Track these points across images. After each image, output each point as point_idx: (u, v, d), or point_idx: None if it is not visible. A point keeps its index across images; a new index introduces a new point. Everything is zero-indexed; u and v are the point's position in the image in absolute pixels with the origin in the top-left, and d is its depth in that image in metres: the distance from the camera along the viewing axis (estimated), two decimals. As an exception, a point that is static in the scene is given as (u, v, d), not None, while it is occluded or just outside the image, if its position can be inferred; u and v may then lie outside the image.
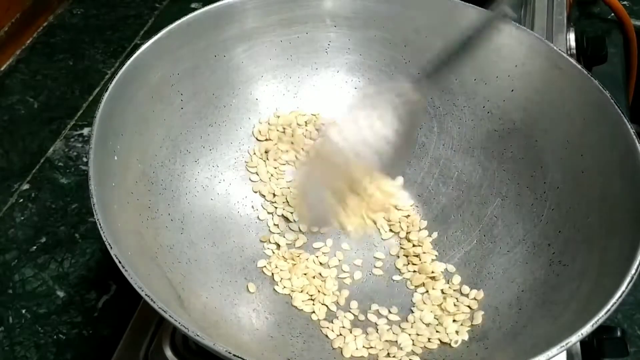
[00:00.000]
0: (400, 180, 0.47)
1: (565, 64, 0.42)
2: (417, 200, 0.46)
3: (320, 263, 0.43)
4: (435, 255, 0.43)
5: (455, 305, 0.40)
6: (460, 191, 0.46)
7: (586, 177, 0.40)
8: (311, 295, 0.41)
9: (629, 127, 0.38)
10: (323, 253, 0.44)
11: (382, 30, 0.47)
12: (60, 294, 0.50)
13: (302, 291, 0.41)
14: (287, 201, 0.45)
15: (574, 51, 0.63)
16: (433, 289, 0.41)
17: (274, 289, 0.41)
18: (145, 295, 0.30)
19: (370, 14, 0.47)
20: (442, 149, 0.47)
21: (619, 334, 0.42)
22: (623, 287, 0.31)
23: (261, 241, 0.44)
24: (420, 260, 0.43)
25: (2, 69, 0.68)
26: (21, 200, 0.56)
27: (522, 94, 0.44)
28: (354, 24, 0.47)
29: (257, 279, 0.41)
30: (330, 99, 0.49)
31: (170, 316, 0.29)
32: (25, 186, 0.57)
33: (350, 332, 0.39)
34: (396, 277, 0.43)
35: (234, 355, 0.28)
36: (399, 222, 0.45)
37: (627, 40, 0.72)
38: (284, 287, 0.41)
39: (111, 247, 0.31)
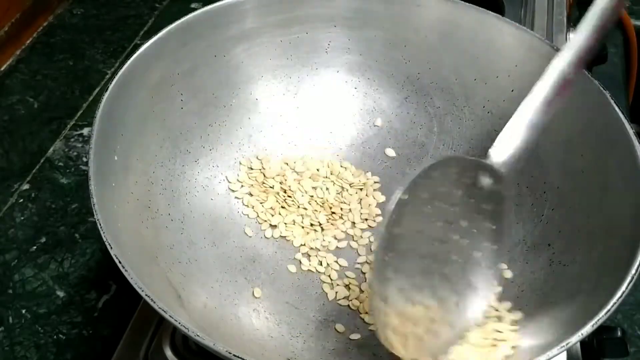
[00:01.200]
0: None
1: (565, 64, 0.42)
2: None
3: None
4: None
5: None
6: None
7: (586, 177, 0.40)
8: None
9: (629, 127, 0.38)
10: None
11: (382, 30, 0.47)
12: (60, 294, 0.50)
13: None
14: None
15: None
16: None
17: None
18: (145, 295, 0.30)
19: (370, 14, 0.47)
20: (442, 149, 0.47)
21: (619, 334, 0.42)
22: (623, 287, 0.31)
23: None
24: None
25: (2, 69, 0.68)
26: (21, 200, 0.56)
27: (522, 94, 0.44)
28: (354, 24, 0.47)
29: (256, 279, 0.41)
30: (330, 99, 0.49)
31: (170, 316, 0.29)
32: (25, 186, 0.57)
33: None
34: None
35: (234, 355, 0.28)
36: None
37: (627, 40, 0.72)
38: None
39: (111, 247, 0.31)
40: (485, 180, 0.34)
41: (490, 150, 0.35)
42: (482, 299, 0.33)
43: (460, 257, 0.33)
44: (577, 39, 0.34)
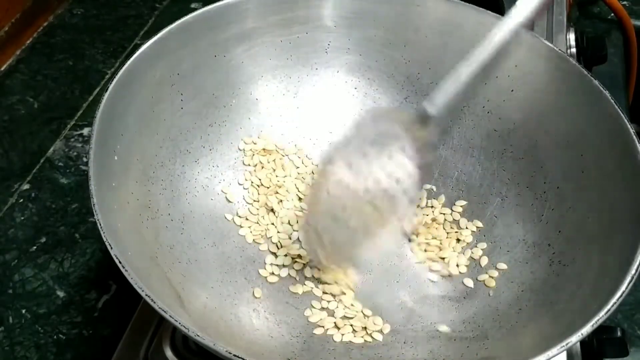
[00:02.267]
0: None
1: (565, 64, 0.42)
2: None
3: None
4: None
5: None
6: (460, 191, 0.46)
7: (586, 177, 0.40)
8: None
9: (629, 127, 0.38)
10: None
11: (382, 30, 0.47)
12: (60, 294, 0.50)
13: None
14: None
15: (574, 51, 0.63)
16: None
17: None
18: (145, 295, 0.30)
19: (370, 14, 0.47)
20: (442, 149, 0.47)
21: (619, 334, 0.42)
22: (623, 287, 0.31)
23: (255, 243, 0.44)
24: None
25: (2, 69, 0.68)
26: (21, 200, 0.56)
27: (522, 94, 0.44)
28: (354, 24, 0.47)
29: (256, 279, 0.41)
30: (330, 99, 0.49)
31: (170, 316, 0.29)
32: (25, 186, 0.57)
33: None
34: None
35: (234, 355, 0.28)
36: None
37: (627, 40, 0.72)
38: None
39: (111, 247, 0.31)
40: (416, 127, 0.37)
41: (424, 102, 0.36)
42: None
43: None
44: (520, 11, 0.35)
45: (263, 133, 0.47)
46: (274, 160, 0.46)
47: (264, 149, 0.46)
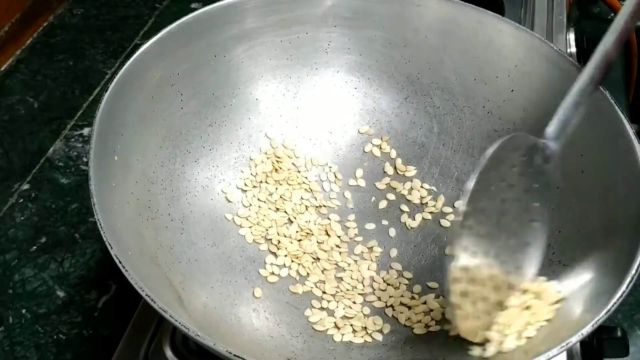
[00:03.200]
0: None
1: (565, 64, 0.42)
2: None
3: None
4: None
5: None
6: (460, 191, 0.46)
7: (586, 177, 0.40)
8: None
9: (629, 127, 0.38)
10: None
11: (382, 30, 0.47)
12: (60, 294, 0.50)
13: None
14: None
15: (574, 51, 0.63)
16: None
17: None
18: (146, 295, 0.30)
19: (370, 14, 0.47)
20: (442, 149, 0.47)
21: (619, 334, 0.42)
22: (623, 287, 0.31)
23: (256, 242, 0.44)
24: None
25: (2, 69, 0.68)
26: (21, 200, 0.56)
27: (522, 94, 0.44)
28: (354, 24, 0.47)
29: (256, 279, 0.41)
30: (330, 99, 0.49)
31: (170, 316, 0.29)
32: (25, 186, 0.57)
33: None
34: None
35: (234, 355, 0.28)
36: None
37: (627, 40, 0.72)
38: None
39: (111, 247, 0.31)
40: (538, 160, 0.37)
41: (547, 129, 0.37)
42: (530, 270, 0.37)
43: (515, 231, 0.37)
44: (617, 23, 0.38)
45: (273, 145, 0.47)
46: (283, 179, 0.46)
47: (276, 158, 0.46)
